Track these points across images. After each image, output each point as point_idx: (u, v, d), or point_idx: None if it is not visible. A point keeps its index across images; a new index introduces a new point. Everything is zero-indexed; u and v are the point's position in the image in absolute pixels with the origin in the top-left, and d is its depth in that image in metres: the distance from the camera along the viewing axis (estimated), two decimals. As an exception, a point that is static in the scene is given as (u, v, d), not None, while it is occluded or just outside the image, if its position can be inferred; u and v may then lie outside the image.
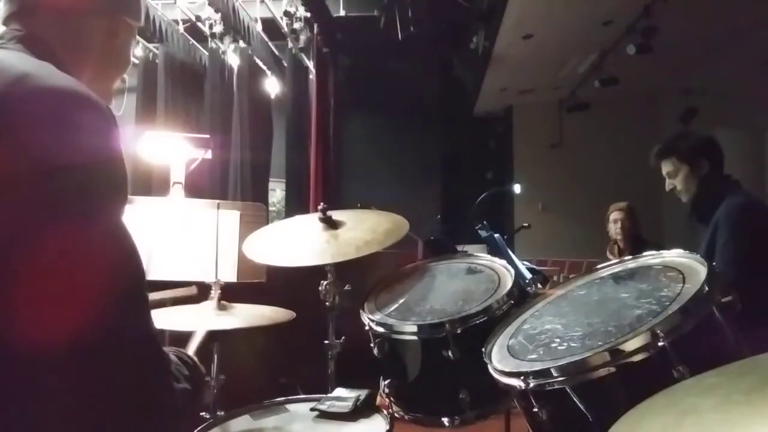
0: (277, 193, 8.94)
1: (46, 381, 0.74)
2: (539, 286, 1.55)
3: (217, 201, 2.37)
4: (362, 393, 1.56)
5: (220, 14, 6.65)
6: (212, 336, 1.87)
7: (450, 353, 1.43)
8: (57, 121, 0.78)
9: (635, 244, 3.69)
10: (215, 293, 1.78)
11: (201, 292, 1.86)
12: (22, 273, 0.73)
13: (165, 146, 3.44)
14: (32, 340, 0.71)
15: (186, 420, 0.93)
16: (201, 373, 1.03)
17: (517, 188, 8.68)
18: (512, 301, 1.52)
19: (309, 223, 1.89)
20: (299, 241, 1.85)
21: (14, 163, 0.74)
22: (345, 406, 1.51)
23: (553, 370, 1.10)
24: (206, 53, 7.54)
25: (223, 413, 1.66)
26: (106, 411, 0.77)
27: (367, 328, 1.61)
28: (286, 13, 7.17)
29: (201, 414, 1.80)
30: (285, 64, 7.95)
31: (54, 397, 0.74)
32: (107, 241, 0.80)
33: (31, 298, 0.72)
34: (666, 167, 2.41)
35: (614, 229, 3.86)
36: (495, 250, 2.40)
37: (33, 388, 0.74)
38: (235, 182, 7.01)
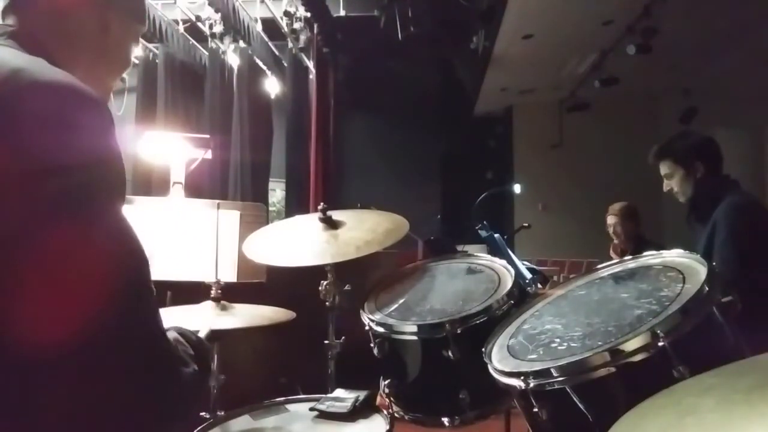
0: (277, 193, 8.94)
1: (51, 380, 0.73)
2: (539, 286, 1.55)
3: (217, 201, 2.38)
4: (361, 393, 1.56)
5: (220, 14, 6.65)
6: (212, 336, 1.87)
7: (450, 353, 1.43)
8: (54, 118, 0.77)
9: (637, 244, 3.69)
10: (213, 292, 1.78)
11: (202, 292, 1.86)
12: (23, 272, 0.72)
13: (165, 146, 3.44)
14: (35, 340, 0.71)
15: (198, 400, 0.94)
16: (206, 347, 1.03)
17: (517, 188, 8.69)
18: (512, 301, 1.52)
19: (309, 223, 1.89)
20: (299, 241, 1.85)
21: (12, 163, 0.73)
22: (344, 407, 1.51)
23: (553, 370, 1.10)
24: (206, 53, 7.54)
25: (223, 413, 1.66)
26: (112, 408, 0.77)
27: (367, 328, 1.61)
28: (286, 13, 7.17)
29: (201, 414, 1.80)
30: (285, 64, 7.95)
31: (58, 395, 0.74)
32: (109, 237, 0.80)
33: (34, 298, 0.72)
34: (663, 169, 2.41)
35: (609, 232, 3.88)
36: (495, 250, 2.40)
37: (37, 387, 0.74)
38: (235, 182, 7.02)
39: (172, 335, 0.93)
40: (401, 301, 1.67)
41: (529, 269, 2.24)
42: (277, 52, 7.97)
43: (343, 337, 1.85)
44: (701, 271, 1.19)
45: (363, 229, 1.82)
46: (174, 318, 1.65)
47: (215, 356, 1.90)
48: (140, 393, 0.79)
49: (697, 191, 2.32)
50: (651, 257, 1.40)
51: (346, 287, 1.85)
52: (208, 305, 1.78)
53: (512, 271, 1.66)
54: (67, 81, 0.83)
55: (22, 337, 0.71)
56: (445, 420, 1.51)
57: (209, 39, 7.19)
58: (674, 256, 1.34)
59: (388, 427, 1.44)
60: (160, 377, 0.83)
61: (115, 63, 1.06)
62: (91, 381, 0.75)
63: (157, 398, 0.82)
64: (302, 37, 7.37)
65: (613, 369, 1.05)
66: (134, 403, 0.79)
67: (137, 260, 0.83)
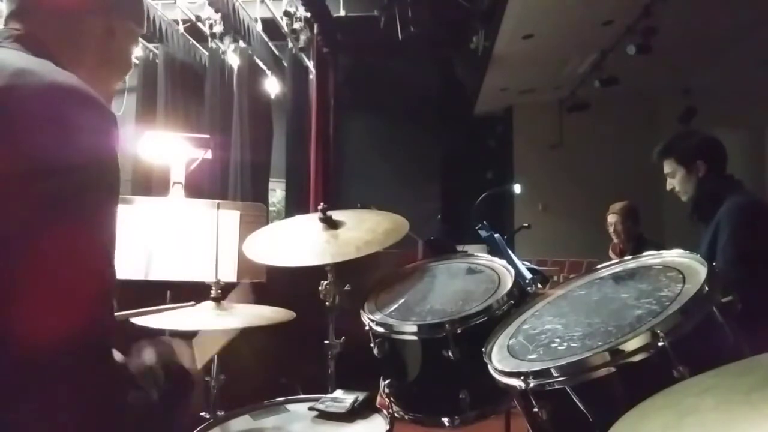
0: (277, 193, 8.94)
1: (36, 378, 0.73)
2: (539, 286, 1.54)
3: (217, 201, 2.37)
4: (361, 394, 1.56)
5: (220, 14, 6.66)
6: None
7: (450, 353, 1.43)
8: (57, 119, 0.78)
9: (637, 244, 3.68)
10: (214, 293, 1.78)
11: (201, 293, 1.86)
12: (20, 271, 0.72)
13: (165, 146, 3.44)
14: (25, 339, 0.71)
15: (147, 427, 0.91)
16: (187, 382, 0.99)
17: (517, 188, 8.69)
18: (512, 301, 1.52)
19: (309, 223, 1.89)
20: (299, 241, 1.85)
21: (14, 162, 0.73)
22: (342, 407, 1.51)
23: (553, 370, 1.10)
24: (206, 53, 7.54)
25: (223, 413, 1.66)
26: (73, 414, 0.76)
27: (367, 328, 1.61)
28: (286, 13, 7.18)
29: (201, 414, 1.80)
30: (285, 64, 7.95)
31: (39, 394, 0.74)
32: (104, 238, 0.80)
33: (29, 297, 0.72)
34: (666, 167, 2.41)
35: (610, 231, 3.88)
36: (495, 250, 2.40)
37: (24, 387, 0.73)
38: (235, 182, 7.02)
39: (149, 358, 0.91)
40: (401, 301, 1.67)
41: (529, 269, 2.24)
42: (277, 52, 7.97)
43: (343, 337, 1.85)
44: (701, 271, 1.19)
45: (363, 229, 1.81)
46: (174, 318, 1.65)
47: (215, 357, 1.90)
48: (89, 401, 0.78)
49: (699, 191, 2.32)
50: (651, 257, 1.40)
51: (346, 287, 1.85)
52: (208, 305, 1.78)
53: (512, 271, 1.65)
54: (71, 82, 0.83)
55: (12, 334, 0.70)
56: (445, 420, 1.51)
57: (209, 39, 7.20)
58: (674, 256, 1.34)
59: (388, 427, 1.44)
60: (102, 386, 0.81)
61: (118, 66, 1.07)
62: (63, 382, 0.75)
63: (95, 405, 0.79)
64: (302, 37, 7.37)
65: (613, 369, 1.05)
66: (87, 412, 0.78)
67: (113, 265, 0.83)
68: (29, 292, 0.72)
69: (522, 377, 1.14)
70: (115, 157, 0.84)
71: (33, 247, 0.73)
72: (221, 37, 7.09)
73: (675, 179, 2.38)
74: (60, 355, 0.72)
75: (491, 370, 1.24)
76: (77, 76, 0.87)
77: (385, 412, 1.53)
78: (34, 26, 0.94)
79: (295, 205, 7.55)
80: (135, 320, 1.51)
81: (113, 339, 0.83)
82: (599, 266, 1.51)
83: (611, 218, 3.86)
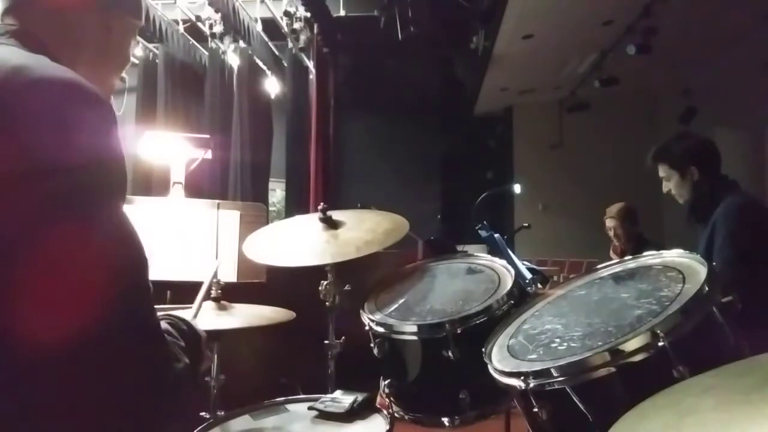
0: (277, 193, 8.94)
1: (49, 379, 0.73)
2: (539, 286, 1.54)
3: (217, 201, 2.38)
4: (361, 394, 1.56)
5: (220, 14, 6.66)
6: (212, 336, 1.87)
7: (450, 353, 1.43)
8: (56, 115, 0.77)
9: (637, 244, 3.68)
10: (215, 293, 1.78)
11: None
12: (24, 271, 0.72)
13: (165, 146, 3.43)
14: (35, 338, 0.71)
15: (191, 393, 0.93)
16: (196, 335, 1.02)
17: (517, 188, 8.69)
18: (512, 301, 1.52)
19: (309, 223, 1.89)
20: (299, 241, 1.84)
21: (14, 160, 0.73)
22: (342, 407, 1.51)
23: (553, 370, 1.10)
24: (206, 53, 7.55)
25: (223, 413, 1.66)
26: (109, 407, 0.77)
27: (367, 328, 1.61)
28: (286, 13, 7.19)
29: (201, 414, 1.80)
30: (285, 64, 7.96)
31: (57, 394, 0.74)
32: (110, 237, 0.80)
33: (34, 297, 0.72)
34: (660, 171, 2.44)
35: (610, 235, 3.87)
36: (495, 250, 2.40)
37: (37, 386, 0.74)
38: (235, 182, 7.02)
39: (163, 327, 0.92)
40: (401, 301, 1.67)
41: (529, 269, 2.24)
42: (277, 52, 7.98)
43: (343, 337, 1.85)
44: (701, 271, 1.19)
45: (363, 229, 1.81)
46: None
47: (215, 356, 1.90)
48: (136, 392, 0.79)
49: (694, 193, 2.33)
50: (651, 257, 1.40)
51: (346, 287, 1.84)
52: (208, 305, 1.78)
53: (512, 271, 1.65)
54: (70, 78, 0.82)
55: (22, 334, 0.70)
56: (445, 420, 1.50)
57: (209, 39, 7.20)
58: (674, 256, 1.34)
59: (388, 427, 1.44)
60: (155, 376, 0.83)
61: (117, 61, 1.06)
62: (89, 380, 0.75)
63: (153, 397, 0.82)
64: (302, 37, 7.38)
65: (613, 369, 1.05)
66: (131, 402, 0.79)
67: (137, 259, 0.83)
68: (30, 293, 0.72)
69: (522, 377, 1.14)
70: (119, 153, 0.83)
71: (34, 247, 0.73)
72: (221, 37, 7.09)
73: (670, 183, 2.40)
74: (66, 355, 0.72)
75: (491, 370, 1.24)
76: (75, 72, 0.87)
77: (385, 412, 1.53)
78: (30, 22, 0.93)
79: (295, 205, 7.56)
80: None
81: (142, 336, 0.82)
82: (599, 266, 1.51)
83: (609, 222, 3.84)
